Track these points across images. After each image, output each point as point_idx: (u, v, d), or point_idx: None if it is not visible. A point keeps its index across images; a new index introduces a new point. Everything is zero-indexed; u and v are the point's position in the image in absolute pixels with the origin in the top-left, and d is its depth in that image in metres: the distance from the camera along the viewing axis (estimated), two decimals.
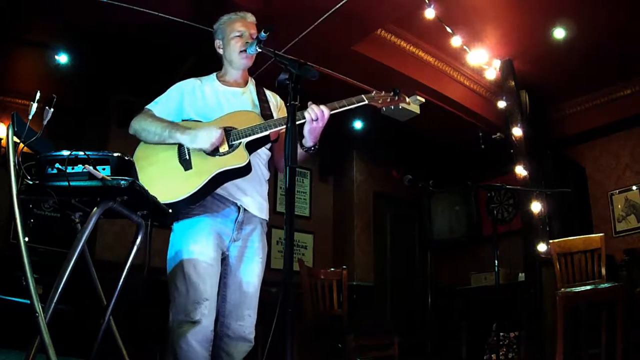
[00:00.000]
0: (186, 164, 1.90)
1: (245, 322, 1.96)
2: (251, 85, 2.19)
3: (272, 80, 1.83)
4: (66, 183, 1.43)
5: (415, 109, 4.83)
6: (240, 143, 1.90)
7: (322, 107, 1.87)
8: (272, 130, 1.91)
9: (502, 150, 4.88)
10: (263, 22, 2.15)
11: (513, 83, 4.77)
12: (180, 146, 1.94)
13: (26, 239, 1.41)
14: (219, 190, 1.91)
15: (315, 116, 1.84)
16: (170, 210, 1.78)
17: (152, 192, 1.65)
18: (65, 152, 1.47)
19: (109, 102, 5.15)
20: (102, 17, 3.83)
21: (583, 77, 4.92)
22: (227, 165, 1.86)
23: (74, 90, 4.88)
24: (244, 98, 2.12)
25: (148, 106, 2.08)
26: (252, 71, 2.23)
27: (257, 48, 1.88)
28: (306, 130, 1.88)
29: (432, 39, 4.49)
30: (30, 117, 1.51)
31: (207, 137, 1.86)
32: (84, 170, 1.45)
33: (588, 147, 5.47)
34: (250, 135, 1.90)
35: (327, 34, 3.98)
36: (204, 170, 1.86)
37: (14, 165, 1.44)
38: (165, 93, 2.10)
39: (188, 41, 4.03)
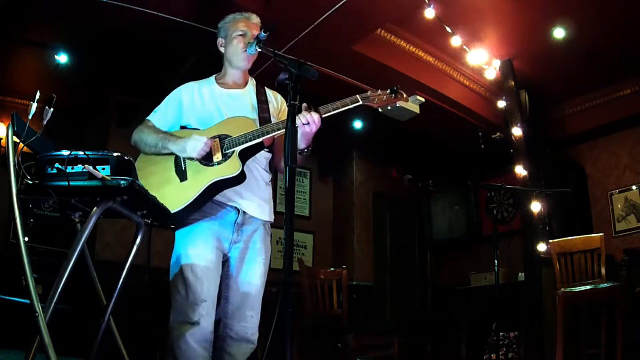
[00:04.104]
0: (182, 175, 1.92)
1: (248, 324, 1.96)
2: (251, 86, 2.18)
3: (272, 80, 1.83)
4: (66, 183, 1.43)
5: (415, 109, 4.83)
6: (233, 152, 1.90)
7: (314, 113, 1.86)
8: (265, 138, 1.91)
9: (502, 150, 4.88)
10: (263, 23, 2.15)
11: (513, 83, 4.77)
12: (177, 157, 1.95)
13: (26, 239, 1.41)
14: (217, 196, 1.92)
15: (306, 121, 1.84)
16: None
17: None
18: (65, 152, 1.47)
19: (109, 102, 5.15)
20: (102, 17, 3.83)
21: (583, 77, 4.92)
22: (220, 175, 1.88)
23: (74, 90, 4.87)
24: (244, 100, 2.11)
25: (149, 117, 2.10)
26: (252, 71, 2.22)
27: (257, 48, 1.88)
28: (299, 134, 1.87)
29: (432, 39, 4.49)
30: (30, 117, 1.51)
31: (194, 146, 1.88)
32: (84, 170, 1.45)
33: (588, 147, 5.47)
34: (243, 143, 1.90)
35: (327, 34, 3.98)
36: (198, 182, 1.88)
37: (14, 165, 1.44)
38: (164, 101, 2.12)
39: (188, 41, 4.03)
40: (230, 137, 1.93)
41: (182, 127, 2.07)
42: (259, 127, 1.94)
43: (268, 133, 1.91)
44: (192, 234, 1.92)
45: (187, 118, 2.06)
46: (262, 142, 1.93)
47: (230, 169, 1.88)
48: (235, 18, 2.14)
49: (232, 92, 2.12)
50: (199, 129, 2.02)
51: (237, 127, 1.95)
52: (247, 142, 1.90)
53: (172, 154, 1.96)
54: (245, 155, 1.92)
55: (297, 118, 1.81)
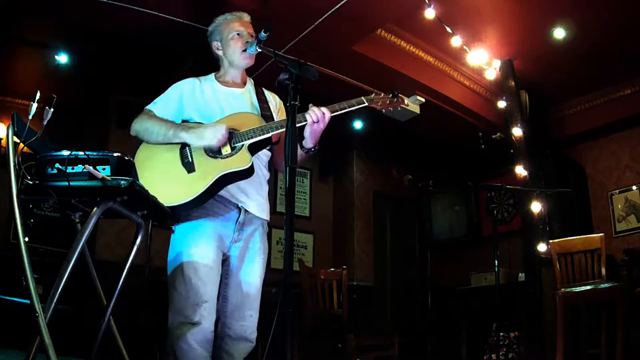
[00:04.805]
0: (189, 167, 1.89)
1: (247, 322, 1.96)
2: (250, 86, 2.18)
3: (272, 80, 1.84)
4: (66, 183, 1.43)
5: (416, 109, 4.83)
6: (242, 145, 1.90)
7: (323, 108, 1.88)
8: (274, 133, 1.92)
9: (502, 150, 4.88)
10: (261, 22, 2.14)
11: (513, 83, 4.77)
12: (182, 148, 1.93)
13: (26, 239, 1.41)
14: (220, 192, 1.92)
15: (317, 118, 1.85)
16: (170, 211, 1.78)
17: (154, 194, 1.64)
18: (65, 152, 1.47)
19: (109, 102, 5.15)
20: (102, 17, 3.83)
21: (583, 77, 4.92)
22: (230, 167, 1.87)
23: (74, 90, 4.87)
24: (243, 99, 2.11)
25: (148, 107, 2.07)
26: (251, 71, 2.23)
27: (257, 48, 1.88)
28: (307, 132, 1.89)
29: (432, 39, 4.49)
30: (30, 117, 1.51)
31: (214, 133, 1.87)
32: (84, 170, 1.45)
33: (588, 147, 5.47)
34: (252, 137, 1.90)
35: (327, 34, 3.98)
36: (207, 173, 1.86)
37: (14, 165, 1.44)
38: (165, 93, 2.09)
39: (188, 41, 4.02)
40: (238, 131, 1.93)
41: (184, 121, 2.05)
42: (265, 123, 1.95)
43: (277, 128, 1.91)
44: (193, 231, 1.90)
45: (189, 112, 2.05)
46: (270, 138, 1.93)
47: (240, 161, 1.88)
48: (226, 19, 2.14)
49: (232, 91, 2.12)
50: (202, 123, 2.00)
51: (243, 121, 1.95)
52: (257, 136, 1.90)
53: (176, 144, 1.93)
54: (253, 150, 1.93)
55: (307, 115, 1.86)
